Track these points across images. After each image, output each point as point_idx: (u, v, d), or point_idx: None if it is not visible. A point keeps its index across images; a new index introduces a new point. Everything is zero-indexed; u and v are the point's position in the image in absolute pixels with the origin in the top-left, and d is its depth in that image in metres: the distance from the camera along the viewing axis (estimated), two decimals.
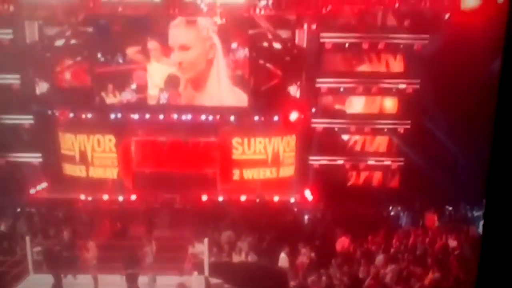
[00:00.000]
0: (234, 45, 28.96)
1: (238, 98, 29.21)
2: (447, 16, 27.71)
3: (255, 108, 28.96)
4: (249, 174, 29.61)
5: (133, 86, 29.17)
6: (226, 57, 28.91)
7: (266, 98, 29.00)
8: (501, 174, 4.15)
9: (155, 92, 29.13)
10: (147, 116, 28.87)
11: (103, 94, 29.18)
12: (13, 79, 29.50)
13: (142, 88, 29.20)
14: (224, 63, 28.83)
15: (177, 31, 28.23)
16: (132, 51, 28.84)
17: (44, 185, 29.19)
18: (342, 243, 23.19)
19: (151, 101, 29.25)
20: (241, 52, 29.12)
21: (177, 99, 29.14)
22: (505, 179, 4.12)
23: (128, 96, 29.16)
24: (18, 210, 26.24)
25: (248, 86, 29.24)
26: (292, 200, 28.14)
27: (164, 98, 29.06)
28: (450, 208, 27.02)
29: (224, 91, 29.19)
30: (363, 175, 30.88)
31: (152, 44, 28.58)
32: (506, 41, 4.15)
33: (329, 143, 30.21)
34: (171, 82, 28.84)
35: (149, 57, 28.72)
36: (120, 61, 28.92)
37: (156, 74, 28.89)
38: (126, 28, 28.13)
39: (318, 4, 27.81)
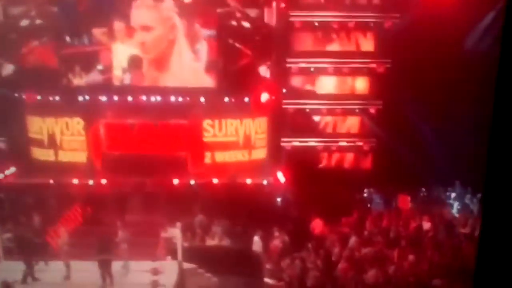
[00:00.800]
0: (201, 25, 28.59)
1: (202, 79, 28.89)
2: None
3: (225, 89, 28.62)
4: (221, 156, 29.24)
5: (99, 67, 28.70)
6: (191, 37, 28.51)
7: (236, 78, 28.62)
8: (499, 166, 4.02)
9: (119, 73, 28.72)
10: (116, 98, 28.45)
11: (69, 75, 28.66)
12: None
13: (107, 69, 28.76)
14: (186, 43, 28.41)
15: (139, 12, 27.90)
16: (97, 32, 28.36)
17: (12, 170, 28.62)
18: (315, 225, 23.19)
19: (116, 82, 28.84)
20: (209, 32, 28.78)
21: (141, 80, 28.78)
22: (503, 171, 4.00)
23: (94, 77, 28.68)
24: None
25: (217, 67, 28.93)
26: (265, 182, 27.97)
27: (127, 78, 28.65)
28: (423, 190, 27.13)
29: (186, 72, 28.84)
30: (335, 156, 30.79)
31: (116, 25, 28.11)
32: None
33: (300, 124, 30.08)
34: (134, 63, 28.46)
35: (113, 38, 28.26)
36: (86, 41, 28.44)
37: (120, 54, 28.50)
38: (91, 8, 27.65)
39: None
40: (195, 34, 28.49)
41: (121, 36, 28.08)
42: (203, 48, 28.69)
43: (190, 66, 28.75)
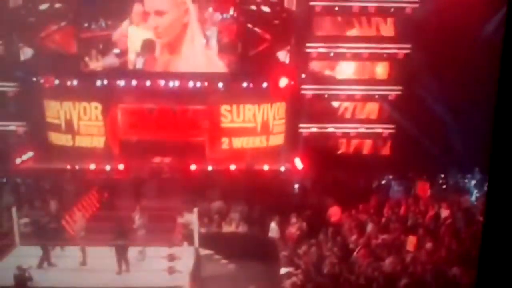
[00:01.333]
0: (216, 9, 28.48)
1: (216, 63, 28.86)
2: None
3: (244, 74, 28.48)
4: (239, 142, 29.20)
5: (115, 50, 28.74)
6: (204, 21, 28.45)
7: (254, 63, 28.52)
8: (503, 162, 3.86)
9: (133, 56, 28.76)
10: (134, 83, 28.41)
11: (87, 59, 28.66)
12: None
13: (123, 53, 28.80)
14: (200, 28, 28.33)
15: None
16: (113, 16, 28.33)
17: (29, 154, 28.64)
18: (333, 212, 23.03)
19: (131, 66, 28.90)
20: (224, 16, 28.64)
21: (154, 64, 28.73)
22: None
23: (110, 60, 28.68)
24: (4, 180, 25.90)
25: (233, 51, 28.82)
26: (282, 169, 27.80)
27: (140, 62, 28.59)
28: (442, 177, 26.84)
29: (200, 57, 28.78)
30: (354, 142, 30.65)
31: (131, 9, 28.04)
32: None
33: (319, 110, 29.94)
34: (147, 47, 28.41)
35: (129, 22, 28.22)
36: (102, 25, 28.46)
37: (135, 39, 28.48)
38: None
39: None
40: (209, 18, 28.32)
41: (136, 20, 28.01)
42: (217, 32, 28.51)
43: (203, 51, 28.64)
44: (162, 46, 28.60)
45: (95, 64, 28.51)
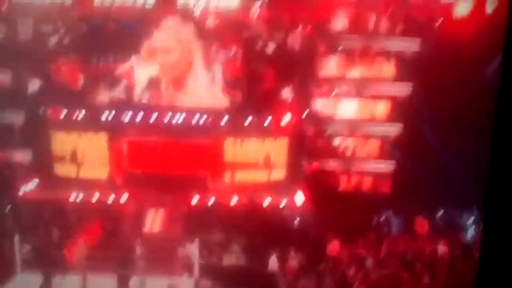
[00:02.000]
0: (222, 47, 29.07)
1: (220, 99, 29.23)
2: (438, 23, 27.78)
3: (248, 110, 28.96)
4: (241, 176, 29.55)
5: (122, 85, 29.09)
6: (210, 59, 28.89)
7: (258, 100, 28.98)
8: (500, 180, 4.20)
9: (139, 91, 29.06)
10: (139, 116, 28.88)
11: (94, 92, 29.16)
12: (4, 77, 29.16)
13: (130, 87, 29.14)
14: (203, 65, 28.80)
15: (160, 35, 28.20)
16: (122, 51, 28.86)
17: (34, 183, 29.02)
18: (332, 246, 23.30)
19: (136, 100, 29.12)
20: (229, 54, 29.24)
21: (159, 99, 29.06)
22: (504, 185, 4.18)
23: (117, 94, 29.13)
24: (8, 208, 26.20)
25: (240, 88, 29.26)
26: (283, 202, 28.12)
27: (146, 97, 29.00)
28: (441, 213, 27.09)
29: (204, 93, 29.18)
30: (354, 178, 30.82)
31: (139, 45, 28.60)
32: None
33: (320, 146, 30.24)
34: (153, 82, 28.80)
35: (137, 58, 28.74)
36: (111, 60, 28.92)
37: (141, 74, 28.80)
38: (118, 29, 28.03)
39: (311, 9, 27.78)
40: (214, 56, 28.86)
41: (144, 56, 28.50)
42: (222, 69, 29.06)
43: (208, 87, 29.08)
44: (167, 82, 28.98)
45: (103, 97, 28.94)
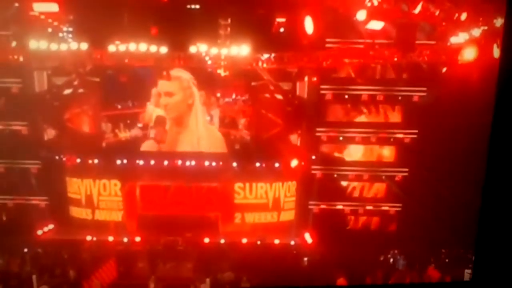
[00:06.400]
0: (224, 95, 30.60)
1: (217, 141, 30.56)
2: (444, 69, 28.32)
3: (257, 155, 29.80)
4: (251, 217, 30.47)
5: (135, 126, 30.46)
6: (212, 104, 30.38)
7: (267, 145, 29.90)
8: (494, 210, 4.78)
9: (148, 130, 30.34)
10: (151, 162, 29.79)
11: (107, 137, 30.25)
12: (22, 126, 30.05)
13: (140, 128, 30.43)
14: (202, 108, 30.25)
15: (164, 81, 29.53)
16: (132, 98, 30.20)
17: (51, 226, 29.80)
18: (340, 283, 23.71)
19: (146, 138, 30.37)
20: (242, 102, 30.30)
21: (164, 135, 30.14)
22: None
23: (134, 132, 30.44)
24: (26, 250, 26.80)
25: (250, 133, 30.20)
26: (292, 243, 28.75)
27: (152, 133, 30.09)
28: (446, 252, 27.41)
29: (202, 133, 30.43)
30: (361, 219, 31.37)
31: (147, 92, 29.93)
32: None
33: (328, 189, 30.80)
34: (159, 121, 30.03)
35: (147, 102, 30.03)
36: (123, 107, 30.16)
37: (150, 114, 30.18)
38: (132, 78, 28.92)
39: (319, 58, 28.47)
40: (215, 102, 30.41)
41: (151, 100, 29.84)
42: (227, 114, 30.63)
43: (209, 129, 30.48)
44: (171, 121, 30.16)
45: (115, 140, 29.93)
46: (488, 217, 4.75)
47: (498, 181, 4.65)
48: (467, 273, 23.87)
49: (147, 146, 30.31)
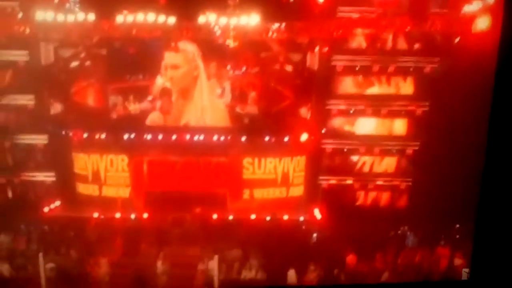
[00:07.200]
0: (234, 67, 29.98)
1: (221, 114, 30.17)
2: (457, 39, 27.86)
3: (266, 129, 29.32)
4: (259, 193, 30.00)
5: (149, 98, 29.99)
6: (221, 76, 29.92)
7: (277, 119, 29.40)
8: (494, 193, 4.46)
9: (154, 102, 29.96)
10: (159, 136, 29.38)
11: (114, 111, 29.85)
12: (28, 100, 29.74)
13: (148, 101, 30.00)
14: (207, 80, 29.79)
15: (170, 54, 29.23)
16: (140, 71, 29.65)
17: (57, 203, 29.55)
18: (350, 261, 23.49)
19: (152, 110, 30.05)
20: (252, 74, 29.77)
21: (170, 107, 29.83)
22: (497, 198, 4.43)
23: (143, 106, 30.00)
24: (32, 227, 26.65)
25: (259, 107, 29.71)
26: (301, 219, 28.43)
27: (158, 105, 29.76)
28: (457, 227, 27.10)
29: (206, 105, 30.04)
30: (372, 194, 30.95)
31: (154, 65, 29.45)
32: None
33: (338, 163, 30.43)
34: (165, 92, 29.64)
35: (155, 75, 29.56)
36: (130, 79, 29.70)
37: (156, 87, 29.78)
38: (139, 50, 28.57)
39: (329, 28, 28.05)
40: (225, 74, 29.88)
41: (157, 73, 29.41)
42: (236, 87, 30.02)
43: (215, 101, 30.08)
44: (176, 93, 29.77)
45: (123, 113, 29.61)
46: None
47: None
48: (465, 272, 23.61)
49: (153, 117, 29.89)
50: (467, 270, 19.09)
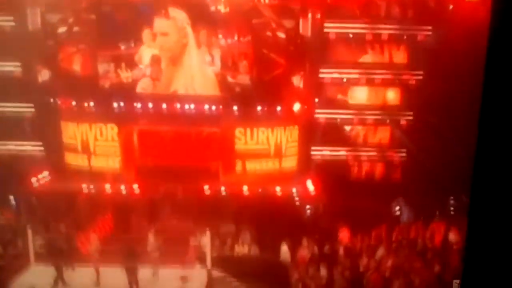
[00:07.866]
0: (236, 34, 29.11)
1: (211, 82, 29.52)
2: (451, 7, 27.49)
3: (258, 98, 28.86)
4: (252, 165, 29.56)
5: (140, 65, 29.24)
6: (211, 44, 29.14)
7: (269, 88, 28.87)
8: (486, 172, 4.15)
9: (143, 69, 29.30)
10: (149, 105, 28.85)
11: (103, 79, 29.19)
12: (14, 67, 29.32)
13: (137, 69, 29.24)
14: (196, 47, 29.12)
15: (160, 21, 28.71)
16: (128, 38, 28.92)
17: (45, 174, 29.07)
18: (343, 236, 23.28)
19: (142, 77, 29.41)
20: (243, 42, 29.16)
21: (160, 74, 29.26)
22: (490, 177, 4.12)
23: (128, 75, 29.26)
24: (20, 200, 26.25)
25: (251, 75, 29.16)
26: (294, 191, 28.07)
27: (148, 72, 29.19)
28: (452, 201, 26.95)
29: (196, 73, 29.45)
30: (365, 166, 30.76)
31: (143, 32, 28.84)
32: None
33: (331, 134, 30.10)
34: (154, 60, 29.06)
35: (141, 42, 28.93)
36: (120, 46, 28.95)
37: (145, 54, 29.17)
38: (129, 15, 28.04)
39: None
40: (214, 41, 29.12)
41: (147, 40, 28.74)
42: (228, 55, 29.25)
43: (206, 69, 29.37)
44: (166, 60, 29.19)
45: (112, 81, 29.01)
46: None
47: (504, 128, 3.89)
48: (455, 283, 23.48)
49: (142, 83, 29.28)
50: (457, 281, 19.01)
